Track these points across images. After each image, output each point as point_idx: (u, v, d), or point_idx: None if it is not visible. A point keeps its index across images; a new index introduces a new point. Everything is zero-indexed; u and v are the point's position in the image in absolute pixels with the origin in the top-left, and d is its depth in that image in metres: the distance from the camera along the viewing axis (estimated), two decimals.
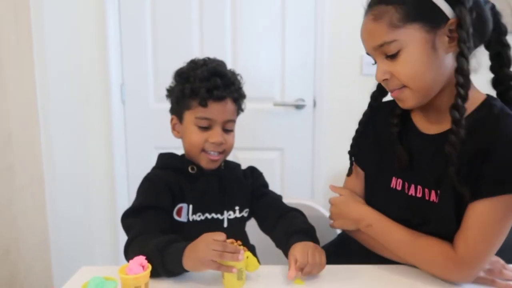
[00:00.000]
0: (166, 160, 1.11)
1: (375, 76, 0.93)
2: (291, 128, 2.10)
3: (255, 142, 2.10)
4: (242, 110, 1.12)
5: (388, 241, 0.97)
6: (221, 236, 0.85)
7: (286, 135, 2.11)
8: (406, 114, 1.01)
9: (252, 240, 1.13)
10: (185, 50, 2.04)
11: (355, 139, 1.10)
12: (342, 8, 1.96)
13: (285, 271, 0.95)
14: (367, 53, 0.94)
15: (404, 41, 0.85)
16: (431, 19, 0.85)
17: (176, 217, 1.03)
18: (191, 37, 2.07)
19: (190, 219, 1.04)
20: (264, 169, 1.21)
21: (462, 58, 0.84)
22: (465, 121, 0.85)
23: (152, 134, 2.13)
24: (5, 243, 1.59)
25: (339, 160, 1.30)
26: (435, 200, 0.92)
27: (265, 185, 1.19)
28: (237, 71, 1.10)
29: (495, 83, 0.95)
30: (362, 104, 1.11)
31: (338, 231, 1.27)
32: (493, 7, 0.91)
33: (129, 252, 0.92)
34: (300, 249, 0.91)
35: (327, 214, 1.11)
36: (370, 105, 1.08)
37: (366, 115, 1.08)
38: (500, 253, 0.95)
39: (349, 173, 1.12)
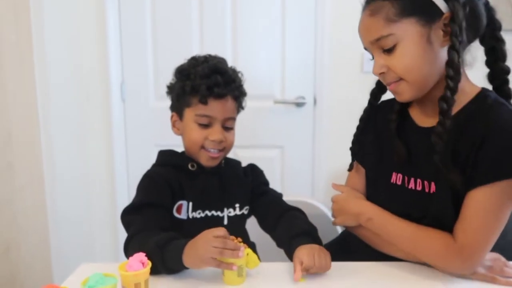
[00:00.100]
0: (166, 157, 1.11)
1: (372, 70, 0.95)
2: (292, 126, 2.10)
3: (255, 140, 2.09)
4: (242, 108, 1.11)
5: (389, 234, 0.97)
6: (221, 231, 0.84)
7: (286, 133, 2.11)
8: (404, 110, 1.03)
9: (252, 237, 1.13)
10: (185, 48, 2.03)
11: (356, 136, 1.12)
12: (343, 6, 1.96)
13: (286, 268, 0.96)
14: (365, 48, 0.96)
15: (400, 35, 0.88)
16: (426, 13, 0.87)
17: (176, 214, 1.03)
18: (191, 34, 2.06)
19: (190, 216, 1.04)
20: (264, 167, 1.21)
21: (453, 51, 0.86)
22: (460, 113, 0.89)
23: (152, 132, 2.13)
24: (6, 242, 1.59)
25: (339, 158, 1.30)
26: (434, 192, 0.93)
27: (266, 182, 1.19)
28: (238, 68, 1.10)
29: (490, 78, 0.97)
30: (362, 102, 1.12)
31: (340, 230, 1.27)
32: (486, 3, 0.94)
33: (129, 249, 0.92)
34: (306, 252, 0.91)
35: (328, 211, 1.12)
36: (370, 102, 1.10)
37: (367, 111, 1.10)
38: (501, 252, 0.95)
39: (350, 168, 1.14)
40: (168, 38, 2.07)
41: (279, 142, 2.13)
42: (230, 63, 1.10)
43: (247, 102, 1.12)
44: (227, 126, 1.05)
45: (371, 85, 1.10)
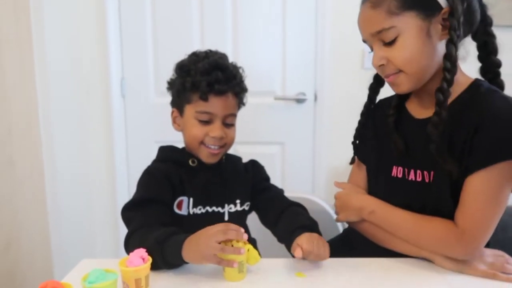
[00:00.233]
0: (166, 153, 1.10)
1: (371, 61, 0.96)
2: (292, 122, 2.10)
3: (256, 136, 2.09)
4: (243, 104, 1.11)
5: (392, 225, 0.98)
6: (224, 226, 0.85)
7: (287, 129, 2.11)
8: (401, 105, 1.05)
9: (253, 233, 1.13)
10: (185, 44, 2.03)
11: (357, 130, 1.14)
12: (344, 2, 1.95)
13: (287, 264, 0.96)
14: (363, 41, 0.98)
15: (401, 28, 0.90)
16: (427, 7, 0.90)
17: (176, 210, 1.03)
18: (192, 30, 2.06)
19: (191, 212, 1.04)
20: (265, 163, 1.21)
21: (451, 44, 0.89)
22: (454, 103, 0.93)
23: (153, 128, 2.12)
24: (6, 237, 1.59)
25: (340, 154, 1.30)
26: (432, 181, 0.95)
27: (267, 178, 1.19)
28: (238, 64, 1.09)
29: (483, 72, 1.00)
30: (363, 98, 1.13)
31: (340, 227, 1.28)
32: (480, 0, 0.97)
33: (129, 245, 0.92)
34: (306, 239, 0.91)
35: (328, 207, 1.12)
36: (369, 96, 1.12)
37: (367, 106, 1.12)
38: (502, 248, 0.96)
39: (352, 161, 1.16)
40: (169, 33, 2.06)
41: (279, 139, 2.13)
42: (230, 58, 1.09)
43: (248, 98, 1.12)
44: (228, 122, 1.05)
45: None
